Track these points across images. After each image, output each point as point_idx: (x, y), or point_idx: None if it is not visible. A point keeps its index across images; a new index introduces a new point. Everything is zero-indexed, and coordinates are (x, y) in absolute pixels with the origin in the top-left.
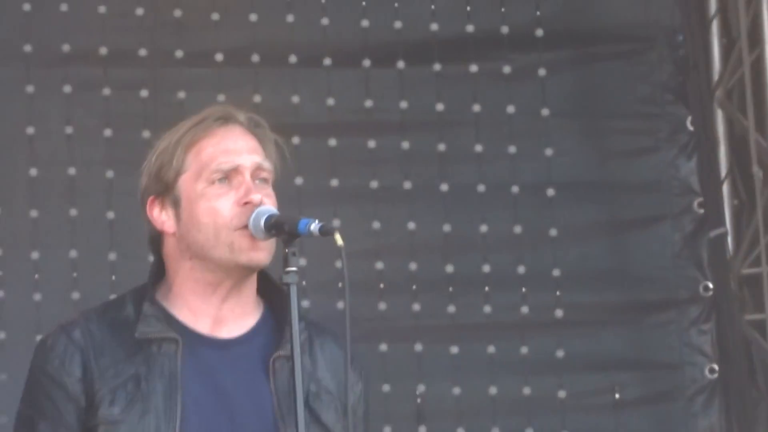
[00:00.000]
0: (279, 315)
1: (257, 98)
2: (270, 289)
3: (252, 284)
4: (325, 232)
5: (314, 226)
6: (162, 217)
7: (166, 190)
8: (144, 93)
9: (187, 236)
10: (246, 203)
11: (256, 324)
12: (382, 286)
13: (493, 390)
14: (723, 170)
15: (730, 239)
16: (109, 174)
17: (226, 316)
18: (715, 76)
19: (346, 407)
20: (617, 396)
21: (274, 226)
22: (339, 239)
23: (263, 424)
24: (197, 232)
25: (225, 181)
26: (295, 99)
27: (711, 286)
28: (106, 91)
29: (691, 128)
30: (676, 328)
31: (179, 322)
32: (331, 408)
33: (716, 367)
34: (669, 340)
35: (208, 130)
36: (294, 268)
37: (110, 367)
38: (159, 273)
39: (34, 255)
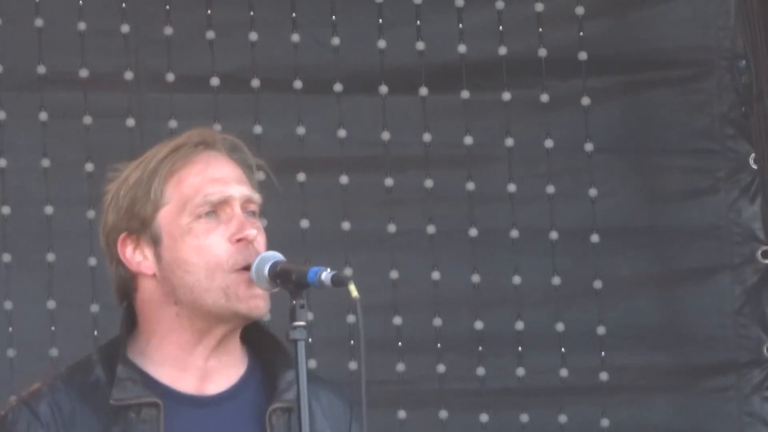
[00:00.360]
0: (267, 363)
1: (258, 129)
2: (254, 334)
3: (238, 332)
4: (338, 282)
5: (326, 275)
6: (137, 257)
7: (142, 226)
8: (130, 122)
9: (172, 278)
10: (239, 240)
11: (244, 374)
12: (400, 344)
13: None
14: None
15: None
16: (91, 214)
17: (214, 369)
18: None
19: None
20: None
21: (280, 275)
22: (354, 290)
23: None
24: (185, 273)
25: (213, 214)
26: (301, 130)
27: None
28: (87, 120)
29: (754, 166)
30: (736, 394)
31: (159, 383)
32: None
33: None
34: (728, 408)
35: (189, 158)
36: (303, 323)
37: None
38: (131, 324)
39: (7, 305)
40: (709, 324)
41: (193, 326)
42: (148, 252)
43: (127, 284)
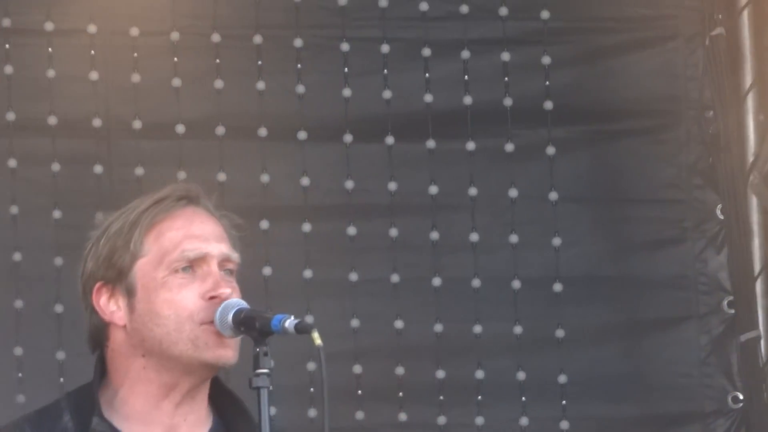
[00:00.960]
0: (229, 421)
1: (222, 176)
2: (219, 395)
3: (206, 388)
4: (302, 329)
5: (289, 323)
6: (111, 306)
7: (118, 276)
8: (98, 168)
9: (142, 330)
10: (212, 297)
11: (212, 429)
12: (360, 392)
13: None
14: (757, 265)
15: (763, 344)
16: (58, 261)
17: (179, 425)
18: (750, 158)
19: None
20: None
21: (243, 322)
22: (317, 338)
23: None
24: (155, 326)
25: (189, 270)
26: (265, 177)
27: (741, 397)
28: (55, 166)
29: (721, 217)
30: None
31: None
32: None
33: None
34: None
35: (170, 212)
36: (266, 370)
37: None
38: (101, 374)
39: None
40: (674, 373)
41: (160, 379)
42: (122, 302)
43: (100, 333)
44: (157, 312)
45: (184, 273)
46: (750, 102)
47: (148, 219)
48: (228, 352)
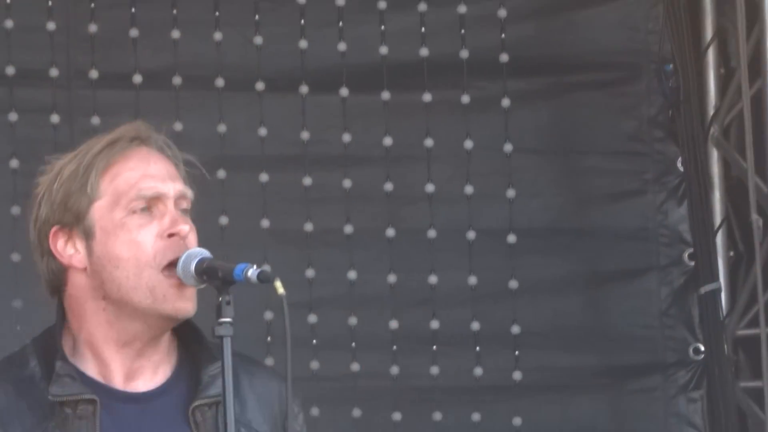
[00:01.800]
0: (195, 358)
1: (179, 126)
2: (183, 327)
3: (168, 331)
4: (265, 279)
5: (252, 272)
6: (68, 250)
7: (75, 220)
8: (55, 118)
9: (102, 273)
10: (171, 235)
11: (173, 372)
12: (315, 342)
13: None
14: (717, 217)
15: (724, 296)
16: (15, 210)
17: (142, 367)
18: (711, 111)
19: None
20: None
21: (206, 271)
22: (280, 287)
23: None
24: (114, 269)
25: (146, 210)
26: (222, 128)
27: (702, 348)
28: (13, 116)
29: (681, 169)
30: (662, 395)
31: (91, 379)
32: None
33: None
34: (653, 409)
35: (124, 153)
36: (228, 319)
37: None
38: (62, 319)
39: None
40: (635, 325)
41: (119, 325)
42: (80, 245)
43: (58, 278)
44: (117, 254)
45: (141, 213)
46: (710, 56)
47: (103, 161)
48: (187, 305)
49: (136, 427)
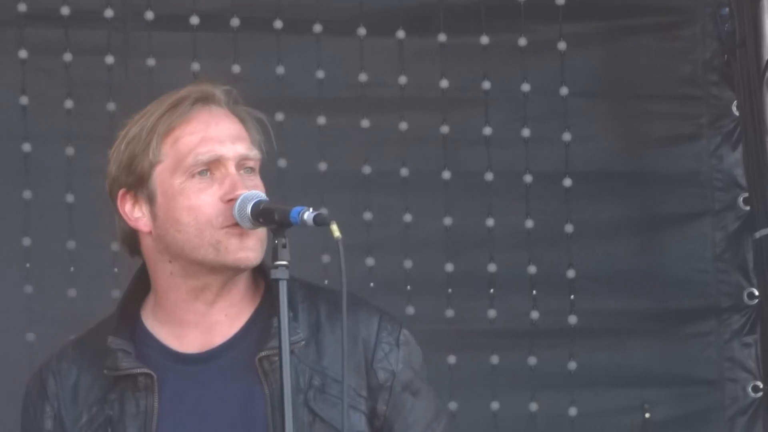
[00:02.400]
0: (271, 307)
1: (236, 68)
2: (265, 274)
3: (244, 279)
4: (321, 222)
5: (308, 215)
6: (135, 213)
7: (139, 183)
8: (110, 59)
9: (165, 236)
10: (231, 200)
11: (248, 321)
12: (372, 284)
13: (495, 406)
14: None
15: None
16: (70, 151)
17: (219, 322)
18: (766, 56)
19: (361, 392)
20: (647, 416)
21: (262, 214)
22: (336, 231)
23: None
24: (176, 232)
25: (206, 173)
26: (280, 70)
27: (757, 293)
28: (67, 57)
29: (737, 113)
30: (716, 339)
31: (161, 345)
32: (339, 400)
33: (761, 384)
34: (707, 353)
35: (186, 115)
36: (284, 262)
37: (83, 413)
38: (146, 279)
39: None
40: (689, 269)
41: (187, 284)
42: (145, 209)
43: (131, 239)
44: (177, 218)
45: (201, 177)
46: (766, 0)
47: (165, 124)
48: (249, 254)
49: (202, 389)
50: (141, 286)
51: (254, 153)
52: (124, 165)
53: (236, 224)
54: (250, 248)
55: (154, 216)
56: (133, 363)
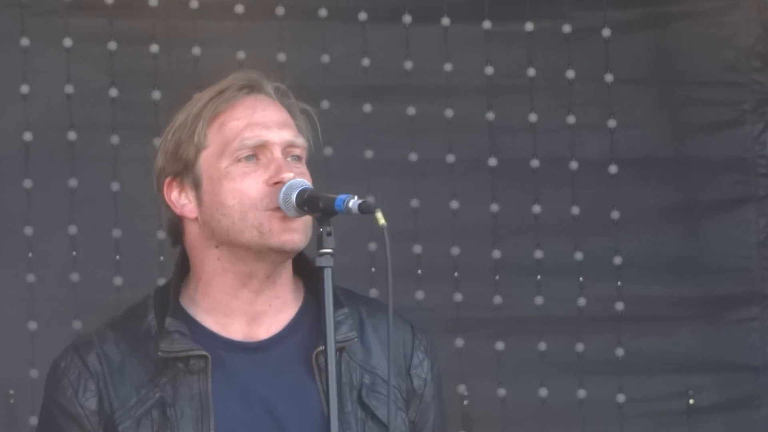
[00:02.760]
0: (321, 300)
1: (282, 56)
2: (309, 270)
3: (288, 271)
4: (366, 209)
5: (353, 202)
6: (182, 200)
7: (185, 169)
8: (154, 48)
9: (211, 221)
10: (276, 183)
11: (296, 315)
12: (419, 272)
13: (543, 392)
14: None
15: None
16: (114, 140)
17: (264, 312)
18: None
19: (402, 394)
20: (691, 402)
21: (307, 202)
22: (381, 218)
23: (314, 426)
24: (221, 216)
25: (252, 158)
26: (325, 58)
27: None
28: (112, 46)
29: None
30: (760, 326)
31: (207, 331)
32: (390, 399)
33: None
34: (751, 339)
35: (232, 101)
36: (329, 250)
37: (132, 395)
38: (185, 267)
39: (28, 231)
40: (732, 255)
41: (235, 269)
42: (191, 195)
43: (176, 227)
44: (222, 202)
45: (247, 162)
46: None
47: (211, 110)
48: (294, 236)
49: (252, 378)
50: (180, 276)
51: (301, 140)
52: (171, 153)
53: (280, 208)
54: (295, 230)
55: (199, 201)
56: (190, 344)
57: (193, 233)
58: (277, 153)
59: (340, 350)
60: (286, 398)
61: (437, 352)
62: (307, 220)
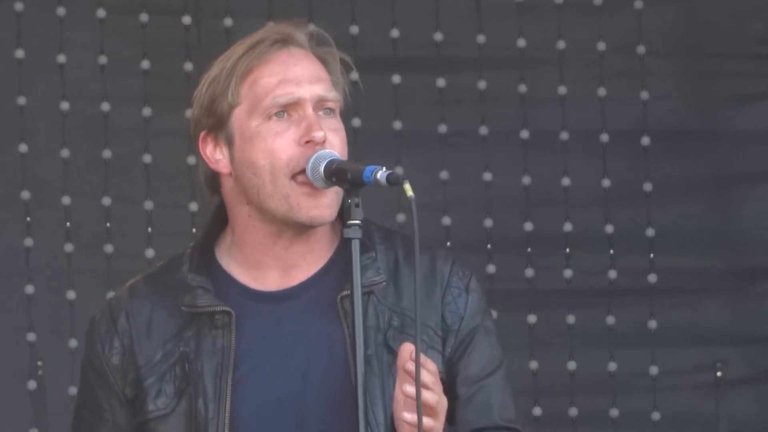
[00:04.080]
0: (350, 248)
1: (311, 27)
2: (342, 217)
3: (323, 227)
4: (394, 181)
5: (381, 174)
6: (216, 155)
7: (219, 124)
8: (186, 19)
9: (243, 179)
10: (308, 142)
11: (329, 261)
12: (449, 244)
13: (572, 365)
14: None
15: None
16: (146, 112)
17: (297, 265)
18: None
19: (438, 332)
20: (719, 374)
21: (334, 174)
22: (409, 190)
23: (337, 370)
24: (252, 175)
25: (284, 115)
26: (354, 29)
27: None
28: (144, 17)
29: None
30: None
31: (238, 284)
32: (424, 344)
33: None
34: None
35: (264, 57)
36: (357, 221)
37: (157, 350)
38: (223, 218)
39: (65, 200)
40: (762, 228)
41: (264, 228)
42: (225, 151)
43: (213, 180)
44: (254, 161)
45: (278, 119)
46: None
47: (243, 66)
48: (324, 212)
49: (279, 326)
50: (217, 226)
51: (333, 94)
52: (205, 107)
53: (306, 174)
54: (325, 205)
55: (232, 158)
56: (212, 300)
57: (227, 187)
58: (309, 109)
59: (368, 294)
60: (312, 344)
61: (481, 291)
62: (338, 191)
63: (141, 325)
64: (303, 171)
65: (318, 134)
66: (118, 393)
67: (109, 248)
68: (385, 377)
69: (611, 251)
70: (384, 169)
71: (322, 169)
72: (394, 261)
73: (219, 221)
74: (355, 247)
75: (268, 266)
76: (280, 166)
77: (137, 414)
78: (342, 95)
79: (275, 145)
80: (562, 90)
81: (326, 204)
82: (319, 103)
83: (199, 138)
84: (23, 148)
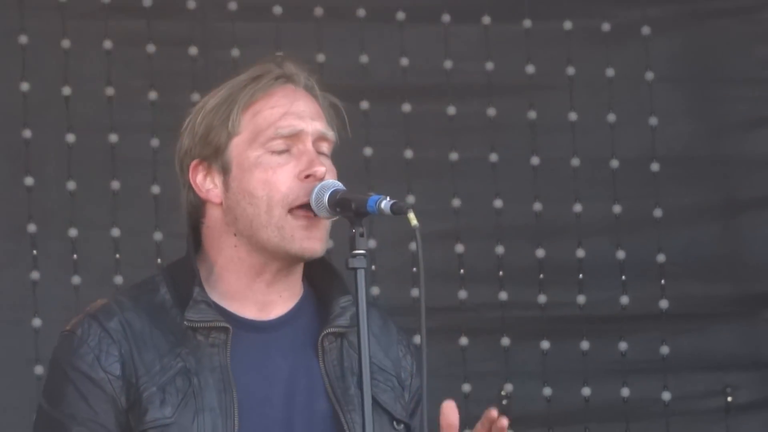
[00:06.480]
0: (321, 289)
1: (320, 57)
2: (313, 261)
3: (301, 267)
4: (398, 210)
5: (385, 203)
6: (207, 184)
7: (214, 154)
8: (193, 50)
9: (236, 208)
10: (308, 176)
11: (300, 301)
12: (462, 272)
13: (587, 391)
14: None
15: None
16: (154, 142)
17: (274, 302)
18: None
19: (403, 384)
20: (729, 399)
21: (339, 203)
22: (413, 219)
23: (320, 406)
24: (248, 205)
25: (284, 153)
26: (364, 58)
27: None
28: (151, 48)
29: None
30: None
31: (223, 309)
32: (388, 387)
33: None
34: None
35: (269, 89)
36: (362, 251)
37: (155, 362)
38: (196, 249)
39: (72, 232)
40: None
41: (250, 259)
42: (218, 180)
43: (197, 211)
44: (251, 192)
45: (279, 154)
46: None
47: (246, 97)
48: (315, 245)
49: (264, 354)
50: (193, 256)
51: (331, 134)
52: (200, 136)
53: (308, 205)
54: (317, 238)
55: (226, 187)
56: (215, 315)
57: (213, 218)
58: (309, 144)
59: (342, 335)
60: (294, 376)
61: (414, 348)
62: (328, 225)
63: (136, 335)
64: (300, 205)
65: (320, 169)
66: (117, 401)
67: (119, 279)
68: (359, 416)
69: (623, 277)
70: (388, 198)
71: (326, 198)
72: (354, 313)
73: (194, 251)
74: (361, 276)
75: (246, 299)
76: (278, 198)
77: (137, 422)
78: (335, 138)
79: (275, 178)
80: (572, 116)
81: (319, 237)
82: (318, 142)
83: (190, 167)
84: (29, 180)
